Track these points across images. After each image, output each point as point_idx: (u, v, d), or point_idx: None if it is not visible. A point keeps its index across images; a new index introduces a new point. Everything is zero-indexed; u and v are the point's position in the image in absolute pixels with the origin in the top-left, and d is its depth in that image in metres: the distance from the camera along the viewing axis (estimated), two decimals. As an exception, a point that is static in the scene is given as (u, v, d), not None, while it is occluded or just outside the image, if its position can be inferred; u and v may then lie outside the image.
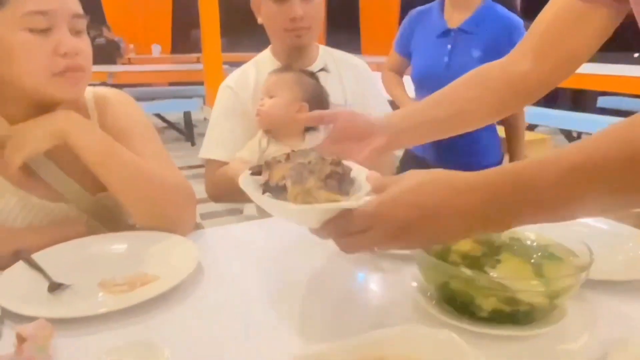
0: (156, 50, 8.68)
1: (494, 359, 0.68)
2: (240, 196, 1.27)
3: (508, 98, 0.94)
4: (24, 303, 0.81)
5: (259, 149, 1.42)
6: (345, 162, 0.77)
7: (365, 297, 0.87)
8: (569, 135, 4.97)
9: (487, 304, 0.71)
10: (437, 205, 0.62)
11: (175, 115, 6.26)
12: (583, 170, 0.56)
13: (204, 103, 5.38)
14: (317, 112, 0.98)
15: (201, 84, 5.13)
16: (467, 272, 0.71)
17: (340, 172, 0.71)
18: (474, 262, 0.76)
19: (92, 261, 0.97)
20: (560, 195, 0.57)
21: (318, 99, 1.37)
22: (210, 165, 1.55)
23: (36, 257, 0.95)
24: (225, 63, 4.76)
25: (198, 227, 1.20)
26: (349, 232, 0.66)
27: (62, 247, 1.00)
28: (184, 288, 0.87)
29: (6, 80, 0.97)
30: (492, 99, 0.93)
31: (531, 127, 4.01)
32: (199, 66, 5.49)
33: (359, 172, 0.78)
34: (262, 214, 1.40)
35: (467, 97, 0.94)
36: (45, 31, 0.94)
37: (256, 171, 0.79)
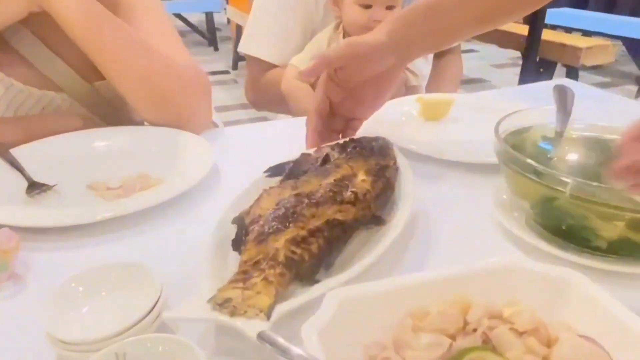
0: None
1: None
2: (286, 108, 1.07)
3: None
4: (-5, 206, 0.71)
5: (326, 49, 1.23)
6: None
7: (430, 219, 0.70)
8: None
9: (609, 230, 0.56)
10: None
11: (195, 17, 5.98)
12: None
13: (227, 2, 5.07)
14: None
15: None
16: (584, 183, 0.54)
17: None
18: (587, 174, 0.59)
19: (84, 159, 0.87)
20: None
21: None
22: (252, 63, 1.34)
23: (16, 152, 0.84)
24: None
25: (214, 126, 1.10)
26: None
27: (49, 141, 0.89)
28: (194, 195, 0.75)
29: None
30: None
31: (587, 34, 3.81)
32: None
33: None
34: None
35: None
36: None
37: (275, 172, 0.68)
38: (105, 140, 0.91)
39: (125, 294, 0.51)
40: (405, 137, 0.89)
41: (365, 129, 0.85)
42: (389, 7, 1.18)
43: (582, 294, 0.45)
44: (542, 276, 0.46)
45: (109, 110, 1.00)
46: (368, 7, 1.18)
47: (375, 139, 0.72)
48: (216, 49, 5.84)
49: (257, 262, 0.50)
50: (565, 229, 0.61)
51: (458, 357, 0.40)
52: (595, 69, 4.46)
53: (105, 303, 0.51)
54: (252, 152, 0.92)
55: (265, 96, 1.33)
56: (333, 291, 0.44)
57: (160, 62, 0.90)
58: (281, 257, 0.50)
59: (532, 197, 0.62)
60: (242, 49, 1.34)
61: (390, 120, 0.96)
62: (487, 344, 0.42)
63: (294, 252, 0.51)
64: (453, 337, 0.43)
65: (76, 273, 0.52)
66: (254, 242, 0.53)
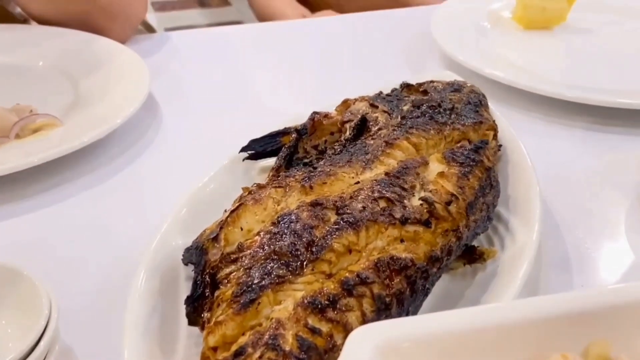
0: None
1: None
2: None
3: None
4: None
5: None
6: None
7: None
8: None
9: None
10: None
11: None
12: None
13: None
14: None
15: None
16: None
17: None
18: None
19: None
20: None
21: None
22: None
23: None
24: None
25: (148, 30, 1.10)
26: None
27: None
28: (110, 148, 0.72)
29: None
30: None
31: None
32: None
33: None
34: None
35: None
36: None
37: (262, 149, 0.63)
38: None
39: None
40: (490, 58, 0.82)
41: (423, 42, 0.81)
42: None
43: None
44: None
45: None
46: None
47: (455, 85, 0.64)
48: None
49: (238, 353, 0.40)
50: None
51: None
52: None
53: None
54: (211, 76, 0.88)
55: None
56: (362, 329, 0.38)
57: None
58: (289, 342, 0.41)
59: None
60: None
61: (464, 28, 0.88)
62: None
63: (314, 331, 0.41)
64: None
65: None
66: (232, 306, 0.43)
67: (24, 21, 0.99)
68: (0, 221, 0.62)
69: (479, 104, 0.62)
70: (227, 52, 0.93)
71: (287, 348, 0.40)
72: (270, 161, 0.60)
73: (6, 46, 0.84)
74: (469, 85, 0.65)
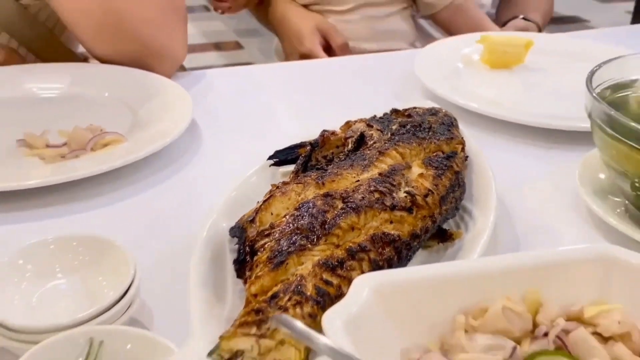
0: None
1: None
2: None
3: None
4: None
5: None
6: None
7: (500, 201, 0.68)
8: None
9: None
10: None
11: None
12: None
13: None
14: None
15: None
16: None
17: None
18: None
19: (8, 105, 0.82)
20: None
21: None
22: None
23: None
24: None
25: (180, 68, 1.09)
26: None
27: None
28: (164, 161, 0.74)
29: None
30: None
31: None
32: None
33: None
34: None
35: None
36: None
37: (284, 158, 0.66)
38: (40, 80, 0.85)
39: (86, 276, 0.51)
40: (463, 91, 0.84)
41: (407, 79, 0.83)
42: None
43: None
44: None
45: (41, 40, 0.95)
46: None
47: (433, 111, 0.66)
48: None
49: (273, 297, 0.45)
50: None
51: (525, 363, 0.39)
52: None
53: (59, 286, 0.50)
54: (240, 105, 0.89)
55: None
56: (363, 276, 0.42)
57: None
58: (310, 289, 0.45)
59: (635, 173, 0.59)
60: None
61: (441, 67, 0.91)
62: (562, 350, 0.41)
63: (327, 282, 0.46)
64: (518, 341, 0.42)
65: (24, 246, 0.50)
66: (267, 265, 0.47)
67: (85, 59, 1.02)
68: (85, 212, 0.65)
69: (450, 124, 0.64)
70: (252, 86, 0.95)
71: (308, 293, 0.45)
72: (290, 167, 0.63)
73: (79, 80, 0.86)
74: (443, 110, 0.67)
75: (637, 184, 0.60)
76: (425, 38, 1.26)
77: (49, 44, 0.97)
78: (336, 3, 1.19)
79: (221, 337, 0.42)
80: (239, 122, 0.85)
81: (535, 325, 0.43)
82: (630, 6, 2.87)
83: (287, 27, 1.20)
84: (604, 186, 0.66)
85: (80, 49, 1.05)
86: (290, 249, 0.48)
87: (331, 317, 0.39)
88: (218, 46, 3.38)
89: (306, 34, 1.13)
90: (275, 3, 1.26)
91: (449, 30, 1.24)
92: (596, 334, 0.42)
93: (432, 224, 0.54)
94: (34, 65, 0.90)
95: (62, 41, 1.00)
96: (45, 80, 0.86)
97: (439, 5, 1.20)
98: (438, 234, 0.57)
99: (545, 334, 0.42)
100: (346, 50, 1.14)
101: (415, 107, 0.68)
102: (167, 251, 0.59)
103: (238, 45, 3.40)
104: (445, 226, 0.58)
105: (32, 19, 0.94)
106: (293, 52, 1.20)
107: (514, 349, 0.41)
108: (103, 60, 0.90)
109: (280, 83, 0.99)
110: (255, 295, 0.46)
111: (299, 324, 0.37)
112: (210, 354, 0.42)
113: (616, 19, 3.56)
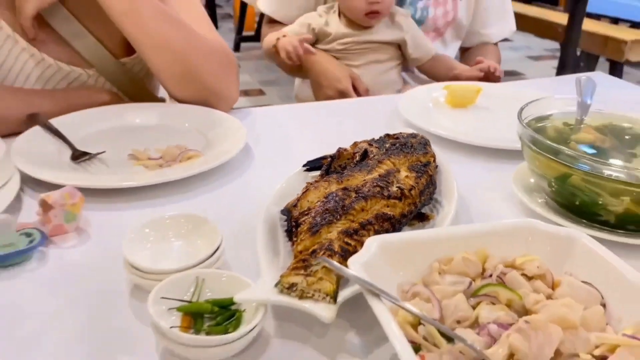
0: None
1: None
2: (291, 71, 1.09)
3: None
4: (47, 169, 0.68)
5: (314, 23, 1.19)
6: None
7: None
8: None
9: (617, 205, 0.58)
10: None
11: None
12: None
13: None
14: None
15: None
16: (599, 162, 0.57)
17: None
18: (600, 155, 0.63)
19: (119, 131, 0.83)
20: None
21: None
22: (265, 17, 1.36)
23: (54, 123, 0.80)
24: None
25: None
26: None
27: (82, 114, 0.84)
28: (229, 168, 0.76)
29: None
30: None
31: (636, 25, 3.05)
32: None
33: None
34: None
35: None
36: None
37: (313, 166, 0.67)
38: (137, 115, 0.86)
39: (189, 240, 0.54)
40: (433, 123, 0.86)
41: (395, 114, 0.85)
42: None
43: (585, 249, 0.47)
44: (552, 235, 0.48)
45: (134, 87, 0.94)
46: None
47: (413, 135, 0.68)
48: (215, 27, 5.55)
49: (313, 252, 0.48)
50: (578, 204, 0.61)
51: (476, 291, 0.44)
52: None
53: (172, 245, 0.54)
54: (278, 132, 0.90)
55: (269, 55, 1.29)
56: (372, 238, 0.46)
57: (195, 38, 0.84)
58: (336, 247, 0.48)
59: (550, 175, 0.62)
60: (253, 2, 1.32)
61: (418, 106, 0.93)
62: (501, 284, 0.45)
63: (347, 244, 0.49)
64: (473, 279, 0.46)
65: (147, 220, 0.54)
66: (308, 233, 0.50)
67: (163, 101, 1.02)
68: (179, 202, 0.68)
69: (426, 144, 0.67)
70: (285, 120, 0.96)
71: (335, 249, 0.49)
72: (317, 172, 0.66)
73: (166, 115, 0.87)
74: (420, 135, 0.69)
75: (552, 184, 0.63)
76: (407, 85, 1.27)
77: (140, 90, 0.97)
78: (352, 59, 1.19)
79: (281, 275, 0.47)
80: (278, 144, 0.86)
81: (484, 270, 0.48)
82: (555, 63, 2.91)
83: (324, 69, 1.16)
84: (530, 186, 0.69)
85: (161, 94, 1.05)
86: (322, 222, 0.51)
87: (354, 260, 0.44)
88: (246, 92, 3.41)
89: (343, 77, 1.13)
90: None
91: (431, 74, 1.24)
92: (523, 275, 0.46)
93: (414, 209, 0.58)
94: (132, 105, 0.91)
95: (149, 88, 1.00)
96: (142, 115, 0.87)
97: (424, 60, 1.21)
98: (418, 216, 0.59)
99: (490, 275, 0.46)
100: (366, 93, 1.15)
101: (401, 132, 0.70)
102: (239, 226, 0.62)
103: (261, 92, 3.43)
104: (423, 211, 0.60)
105: (128, 71, 0.94)
106: (324, 89, 1.17)
107: (470, 283, 0.45)
108: (180, 101, 0.90)
109: (305, 117, 0.99)
110: (300, 252, 0.50)
111: (336, 263, 0.44)
112: (276, 284, 0.46)
113: (544, 73, 3.62)
